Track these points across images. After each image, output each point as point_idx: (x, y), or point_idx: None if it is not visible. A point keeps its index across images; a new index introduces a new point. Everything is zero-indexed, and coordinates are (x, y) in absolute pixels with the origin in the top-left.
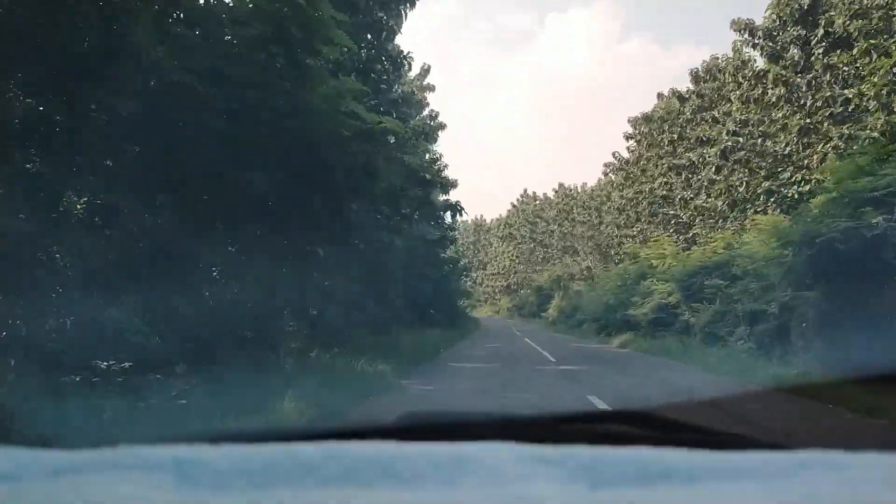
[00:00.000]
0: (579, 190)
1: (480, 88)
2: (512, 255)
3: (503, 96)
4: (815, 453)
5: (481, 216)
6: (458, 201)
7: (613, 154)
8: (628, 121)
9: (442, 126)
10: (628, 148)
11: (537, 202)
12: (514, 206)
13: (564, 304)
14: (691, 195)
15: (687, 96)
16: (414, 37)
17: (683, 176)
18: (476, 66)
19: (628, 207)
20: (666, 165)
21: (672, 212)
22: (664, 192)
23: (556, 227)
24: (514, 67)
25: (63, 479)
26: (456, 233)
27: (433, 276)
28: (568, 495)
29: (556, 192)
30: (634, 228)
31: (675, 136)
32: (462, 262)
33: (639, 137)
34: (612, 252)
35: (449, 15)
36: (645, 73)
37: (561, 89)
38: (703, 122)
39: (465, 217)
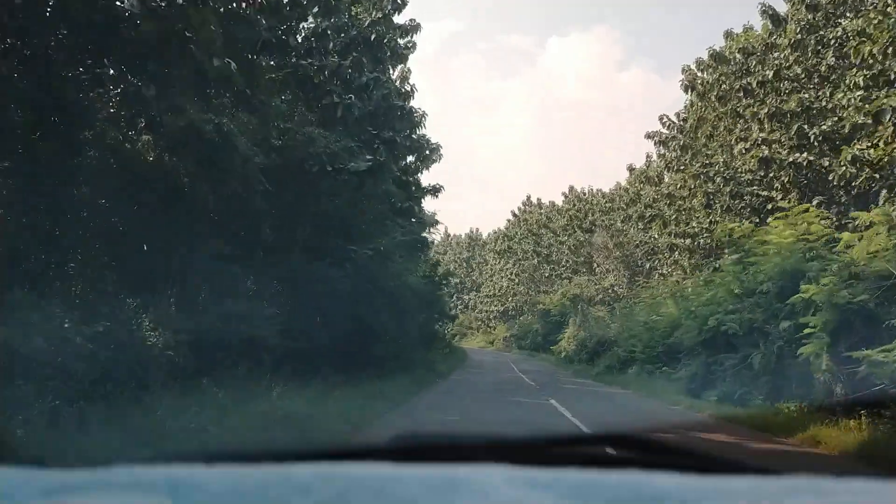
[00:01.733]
0: (595, 193)
1: (478, 108)
2: (511, 274)
3: (502, 117)
4: (803, 479)
5: (476, 229)
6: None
7: (661, 118)
8: (683, 70)
9: (438, 152)
10: (678, 115)
11: (543, 210)
12: (514, 215)
13: (583, 334)
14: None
15: (787, 16)
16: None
17: (793, 129)
18: (475, 86)
19: (687, 191)
20: (764, 114)
21: (781, 181)
22: (766, 155)
23: (566, 237)
24: (513, 89)
25: (58, 498)
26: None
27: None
28: None
29: (567, 197)
30: (697, 222)
31: (770, 75)
32: (442, 270)
33: (702, 87)
34: (648, 265)
35: (451, 32)
36: (644, 99)
37: (561, 112)
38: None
39: (442, 225)
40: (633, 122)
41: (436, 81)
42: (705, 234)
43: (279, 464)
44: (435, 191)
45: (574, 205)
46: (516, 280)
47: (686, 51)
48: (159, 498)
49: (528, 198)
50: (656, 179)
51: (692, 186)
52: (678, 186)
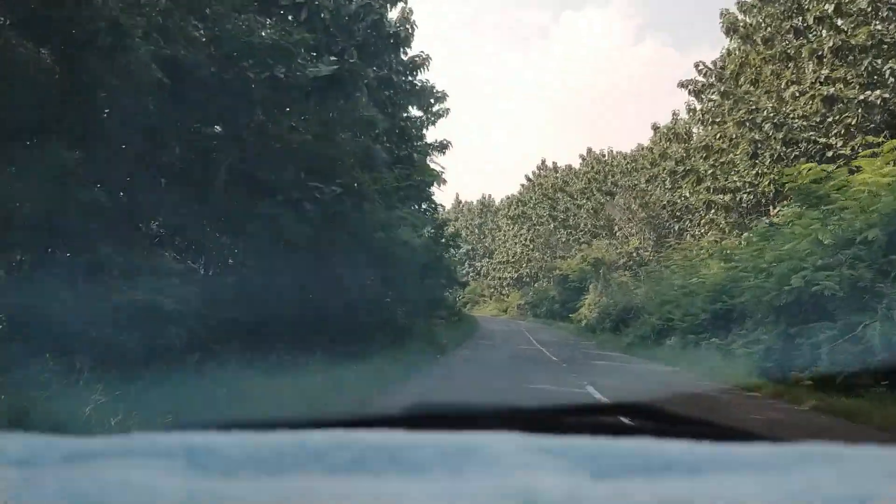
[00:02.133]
0: (615, 155)
1: (492, 83)
2: (525, 240)
3: (515, 92)
4: (815, 446)
5: (489, 195)
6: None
7: (696, 65)
8: (722, 15)
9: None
10: (715, 63)
11: (559, 174)
12: (529, 179)
13: (605, 300)
14: None
15: None
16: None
17: (864, 65)
18: (489, 61)
19: (727, 142)
20: (828, 48)
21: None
22: (831, 93)
23: (584, 201)
24: (528, 62)
25: (76, 465)
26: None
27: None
28: (571, 484)
29: (584, 159)
30: (738, 175)
31: (830, 9)
32: (451, 230)
33: (745, 30)
34: (676, 226)
35: (461, 9)
36: (659, 74)
37: (574, 87)
38: None
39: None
40: (649, 94)
41: (448, 56)
42: (748, 188)
43: (294, 430)
44: (443, 147)
45: (593, 167)
46: (531, 246)
47: (699, 25)
48: (176, 463)
49: (543, 162)
50: (685, 136)
51: (734, 136)
52: (716, 137)
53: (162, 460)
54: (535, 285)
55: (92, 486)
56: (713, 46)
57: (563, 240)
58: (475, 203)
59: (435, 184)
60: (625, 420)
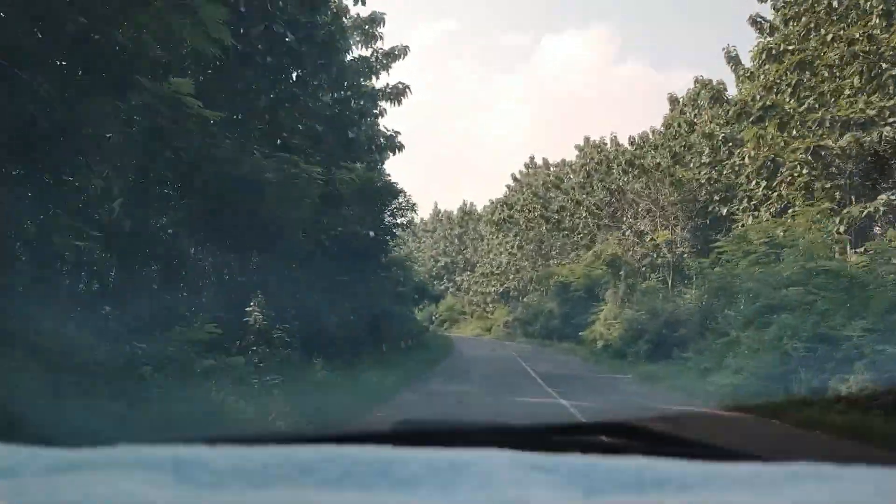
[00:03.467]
0: (617, 143)
1: (474, 103)
2: (512, 247)
3: (497, 111)
4: (806, 466)
5: (470, 203)
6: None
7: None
8: None
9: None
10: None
11: (551, 170)
12: (516, 179)
13: (633, 313)
14: None
15: None
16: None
17: None
18: (470, 83)
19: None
20: None
21: None
22: None
23: (584, 196)
24: (510, 84)
25: (64, 476)
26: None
27: None
28: (563, 502)
29: (581, 151)
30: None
31: None
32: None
33: None
34: (723, 209)
35: (446, 31)
36: (640, 95)
37: (556, 105)
38: None
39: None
40: (630, 111)
41: (429, 77)
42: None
43: (282, 445)
44: (397, 95)
45: (592, 157)
46: (519, 254)
47: (677, 45)
48: (163, 476)
49: (532, 159)
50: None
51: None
52: (814, 55)
53: (149, 472)
54: (525, 299)
55: (77, 496)
56: (690, 67)
57: (559, 244)
58: (455, 213)
59: (389, 150)
60: (613, 438)
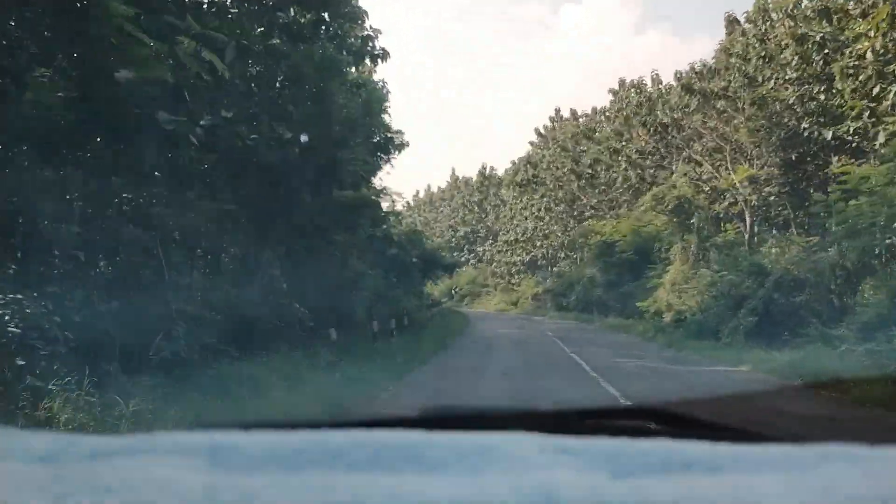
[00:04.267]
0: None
1: (492, 73)
2: (539, 210)
3: (517, 82)
4: (836, 447)
5: (491, 168)
6: None
7: None
8: None
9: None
10: None
11: (581, 121)
12: (540, 135)
13: (729, 276)
14: None
15: None
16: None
17: None
18: (488, 52)
19: None
20: None
21: None
22: None
23: (623, 144)
24: (528, 54)
25: (101, 462)
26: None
27: None
28: (589, 484)
29: (616, 95)
30: None
31: None
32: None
33: None
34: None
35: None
36: (663, 63)
37: (576, 76)
38: None
39: None
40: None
41: (446, 46)
42: None
43: (314, 430)
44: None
45: (630, 101)
46: (546, 218)
47: (700, 14)
48: (199, 461)
49: (558, 112)
50: None
51: None
52: None
53: (185, 458)
54: (556, 268)
55: (116, 482)
56: (714, 35)
57: (594, 203)
58: (474, 179)
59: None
60: (642, 422)
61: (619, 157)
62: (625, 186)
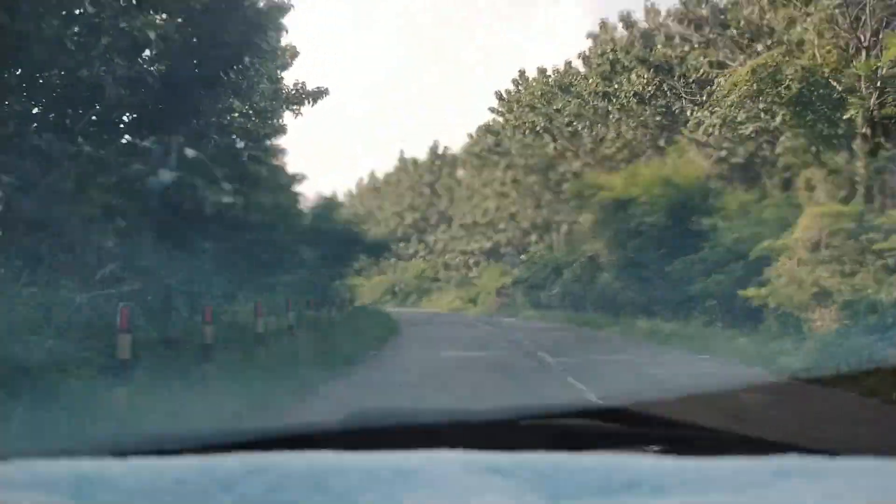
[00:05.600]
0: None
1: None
2: (502, 185)
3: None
4: (793, 460)
5: (444, 148)
6: None
7: None
8: None
9: None
10: None
11: (552, 76)
12: (501, 98)
13: None
14: None
15: None
16: None
17: None
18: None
19: None
20: None
21: None
22: None
23: (614, 87)
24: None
25: None
26: None
27: None
28: None
29: (597, 40)
30: None
31: None
32: None
33: None
34: None
35: None
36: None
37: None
38: None
39: None
40: None
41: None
42: None
43: (201, 455)
44: None
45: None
46: (513, 195)
47: None
48: (61, 496)
49: (522, 73)
50: None
51: None
52: None
53: (44, 492)
54: (527, 253)
55: None
56: None
57: (575, 168)
58: (424, 158)
59: None
60: (583, 422)
61: (610, 106)
62: (618, 145)
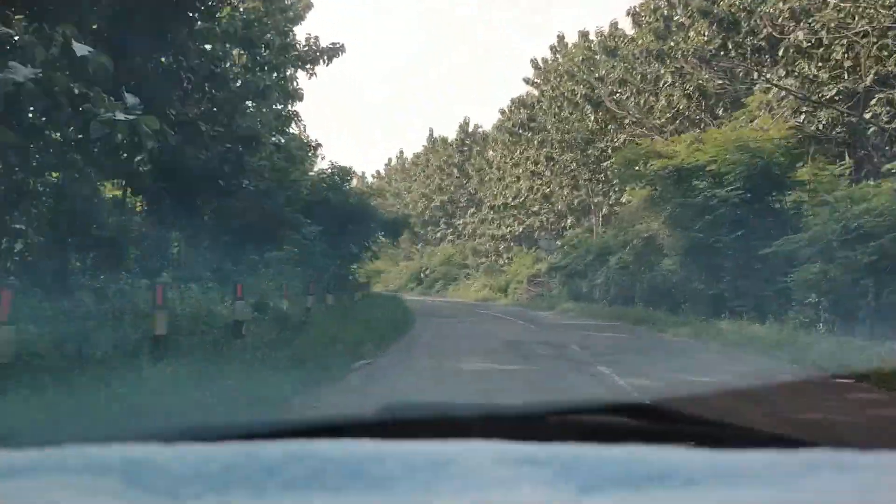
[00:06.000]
0: None
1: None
2: (535, 163)
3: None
4: (824, 453)
5: (474, 125)
6: None
7: None
8: None
9: None
10: None
11: (595, 40)
12: (537, 67)
13: None
14: None
15: None
16: None
17: None
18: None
19: None
20: None
21: None
22: None
23: (670, 46)
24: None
25: (1, 483)
26: None
27: None
28: (555, 499)
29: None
30: None
31: None
32: None
33: None
34: None
35: None
36: None
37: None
38: None
39: None
40: None
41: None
42: None
43: (248, 441)
44: None
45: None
46: (548, 173)
47: None
48: (113, 480)
49: (562, 38)
50: None
51: None
52: None
53: (96, 476)
54: (565, 236)
55: None
56: None
57: (620, 143)
58: (453, 138)
59: None
60: (614, 419)
61: (663, 68)
62: (669, 115)
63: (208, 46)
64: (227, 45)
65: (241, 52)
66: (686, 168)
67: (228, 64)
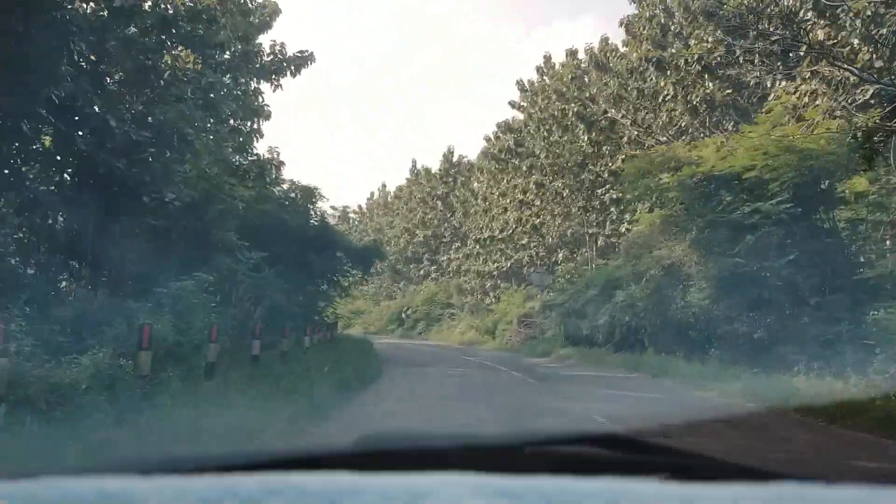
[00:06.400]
0: None
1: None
2: (522, 192)
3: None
4: (791, 487)
5: (460, 157)
6: None
7: None
8: None
9: None
10: None
11: (585, 56)
12: (524, 90)
13: None
14: None
15: None
16: None
17: None
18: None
19: None
20: None
21: None
22: None
23: (670, 53)
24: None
25: None
26: None
27: None
28: None
29: (641, 2)
30: None
31: None
32: None
33: None
34: None
35: None
36: None
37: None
38: None
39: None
40: None
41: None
42: None
43: (225, 474)
44: None
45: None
46: (538, 202)
47: None
48: None
49: (548, 59)
50: None
51: None
52: None
53: None
54: (558, 269)
55: None
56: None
57: (617, 165)
58: (438, 167)
59: None
60: (590, 450)
61: (663, 80)
62: (671, 132)
63: (133, 29)
64: (165, 38)
65: (188, 50)
66: (718, 176)
67: (168, 60)
